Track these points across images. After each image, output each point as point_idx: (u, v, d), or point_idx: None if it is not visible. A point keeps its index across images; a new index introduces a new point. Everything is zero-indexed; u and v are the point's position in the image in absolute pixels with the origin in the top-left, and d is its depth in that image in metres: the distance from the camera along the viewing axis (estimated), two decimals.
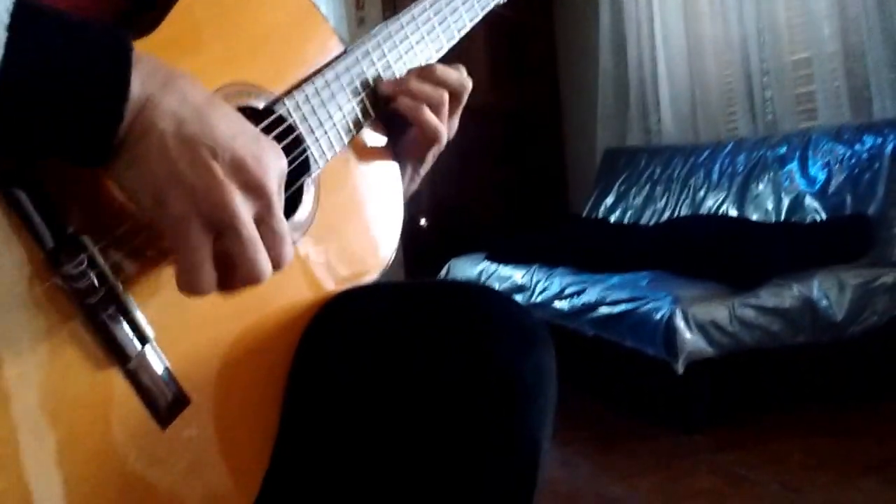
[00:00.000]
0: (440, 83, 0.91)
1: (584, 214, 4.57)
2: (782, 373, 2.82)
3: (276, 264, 0.65)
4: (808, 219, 3.21)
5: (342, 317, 0.80)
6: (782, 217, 3.32)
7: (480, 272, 3.98)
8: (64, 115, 0.56)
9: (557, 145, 5.32)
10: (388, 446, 0.72)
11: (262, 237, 0.63)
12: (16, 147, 0.57)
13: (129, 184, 0.61)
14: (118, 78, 0.58)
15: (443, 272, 4.31)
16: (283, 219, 0.65)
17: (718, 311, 2.67)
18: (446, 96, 0.91)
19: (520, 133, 5.18)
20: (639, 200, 4.23)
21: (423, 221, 4.94)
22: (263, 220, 0.63)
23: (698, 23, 4.11)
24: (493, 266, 3.91)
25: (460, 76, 0.93)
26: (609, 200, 4.44)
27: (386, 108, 0.89)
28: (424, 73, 0.91)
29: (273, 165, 0.63)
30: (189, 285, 0.62)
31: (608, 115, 4.69)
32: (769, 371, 2.82)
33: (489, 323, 0.73)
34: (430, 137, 0.90)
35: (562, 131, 5.31)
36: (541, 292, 3.44)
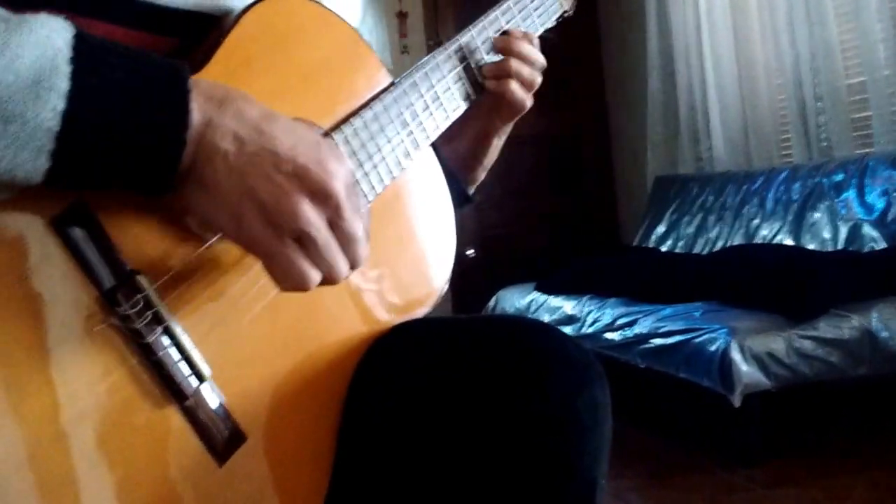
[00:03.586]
0: (536, 65, 1.00)
1: (635, 244, 4.52)
2: (842, 405, 2.77)
3: (353, 264, 0.67)
4: (867, 248, 3.14)
5: (395, 353, 0.80)
6: (840, 246, 3.25)
7: (530, 303, 3.95)
8: (129, 145, 0.58)
9: (607, 173, 5.29)
10: (443, 484, 0.72)
11: (336, 239, 0.65)
12: (82, 179, 0.58)
13: (204, 208, 0.63)
14: (178, 106, 0.60)
15: (491, 303, 4.29)
16: (355, 220, 0.66)
17: (775, 343, 2.62)
18: (539, 79, 1.00)
19: (569, 161, 5.16)
20: (691, 230, 4.17)
21: (470, 252, 4.92)
22: (335, 223, 0.64)
23: (749, 46, 4.05)
24: (543, 297, 3.89)
25: (543, 59, 1.01)
26: (660, 229, 4.39)
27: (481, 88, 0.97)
28: (524, 54, 0.99)
29: (337, 168, 0.65)
30: (293, 285, 0.64)
31: (658, 142, 4.66)
32: (828, 404, 2.76)
33: (543, 359, 0.72)
34: (518, 109, 1.00)
35: (611, 159, 5.28)
36: (591, 324, 3.40)
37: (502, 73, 0.97)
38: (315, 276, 0.64)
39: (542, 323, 0.78)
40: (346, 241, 0.65)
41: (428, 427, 0.73)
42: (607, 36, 5.25)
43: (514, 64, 0.98)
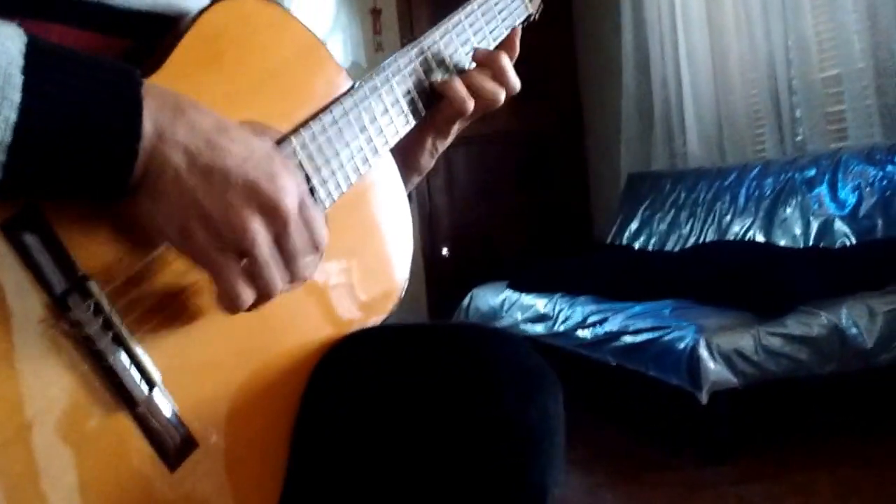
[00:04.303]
0: (503, 82, 0.93)
1: (608, 241, 4.52)
2: (809, 403, 2.77)
3: (294, 278, 0.67)
4: (838, 244, 3.13)
5: (349, 359, 0.80)
6: (811, 242, 3.24)
7: (503, 301, 3.93)
8: (81, 156, 0.58)
9: (581, 170, 5.27)
10: (395, 491, 0.72)
11: (281, 255, 0.65)
12: (33, 189, 0.59)
13: (153, 218, 0.63)
14: (131, 117, 0.60)
15: (465, 302, 4.28)
16: (302, 235, 0.66)
17: (743, 340, 2.61)
18: (502, 97, 0.93)
19: (542, 158, 5.13)
20: (663, 226, 4.17)
21: (444, 251, 4.90)
22: (281, 238, 0.65)
23: (723, 39, 4.04)
24: (516, 295, 3.87)
25: (517, 79, 0.94)
26: (633, 226, 4.38)
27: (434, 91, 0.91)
28: (493, 67, 0.93)
29: (288, 183, 0.65)
30: (226, 305, 0.65)
31: (632, 138, 4.65)
32: (796, 401, 2.76)
33: (495, 368, 0.72)
34: (460, 113, 0.92)
35: (585, 156, 5.27)
36: (563, 321, 3.39)
37: (469, 84, 0.93)
38: (248, 298, 0.64)
39: (498, 331, 0.79)
40: (289, 258, 0.66)
41: (380, 434, 0.73)
42: (581, 30, 5.23)
43: (481, 80, 0.94)
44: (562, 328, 3.38)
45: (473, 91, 0.92)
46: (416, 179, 1.02)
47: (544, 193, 5.13)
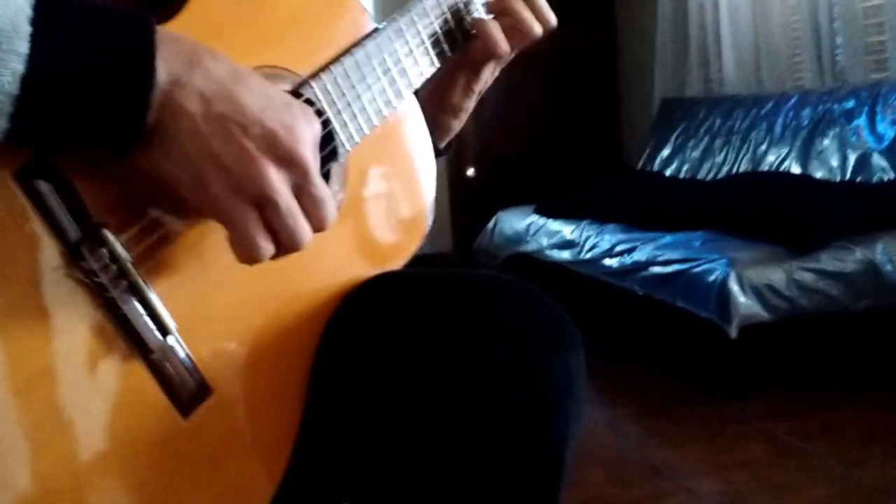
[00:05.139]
0: (541, 17, 0.90)
1: (639, 167, 4.46)
2: (841, 340, 2.73)
3: (318, 228, 0.66)
4: (875, 178, 3.08)
5: (365, 308, 0.78)
6: (847, 175, 3.19)
7: (528, 226, 3.91)
8: (92, 105, 0.58)
9: (612, 93, 5.17)
10: (414, 439, 0.71)
11: (301, 204, 0.64)
12: (42, 139, 0.59)
13: (167, 168, 0.62)
14: (143, 66, 0.59)
15: (490, 224, 4.26)
16: (321, 183, 0.65)
17: (775, 275, 2.59)
18: (538, 31, 0.90)
19: (574, 79, 5.03)
20: (696, 153, 4.10)
21: (470, 171, 4.85)
22: (301, 188, 0.64)
23: None
24: (542, 220, 3.85)
25: (552, 13, 0.92)
26: (665, 153, 4.32)
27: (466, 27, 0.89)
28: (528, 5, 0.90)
29: (305, 132, 0.64)
30: (245, 256, 0.64)
31: (667, 62, 4.55)
32: (827, 338, 2.72)
33: (517, 322, 0.71)
34: (493, 55, 0.89)
35: (617, 79, 5.16)
36: (590, 249, 3.37)
37: (499, 12, 0.91)
38: (267, 249, 0.64)
39: (520, 282, 0.77)
40: (311, 206, 0.65)
41: (397, 385, 0.72)
42: None
43: (518, 14, 0.91)
44: (588, 256, 3.36)
45: (508, 27, 0.89)
46: (453, 123, 0.99)
47: (575, 116, 5.04)
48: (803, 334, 2.69)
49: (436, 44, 0.87)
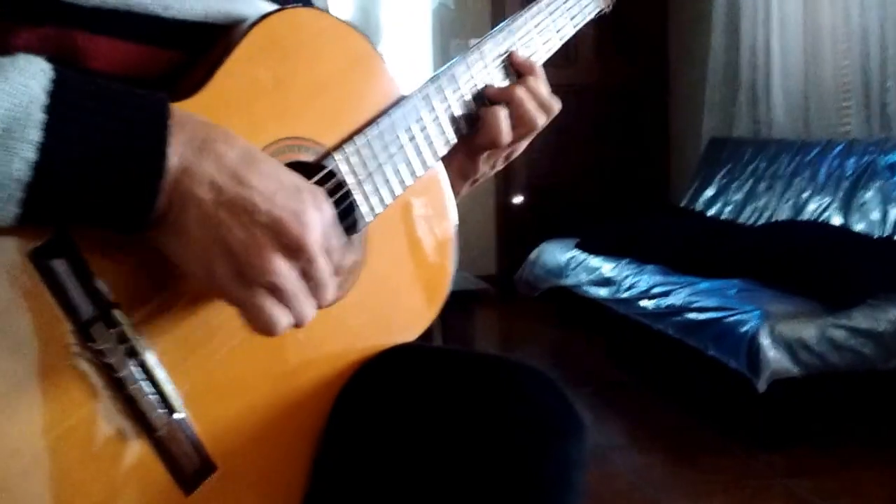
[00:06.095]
0: (544, 107, 0.90)
1: (682, 204, 4.46)
2: (870, 398, 2.72)
3: (321, 305, 0.66)
4: None
5: (372, 386, 0.79)
6: (888, 229, 3.17)
7: (569, 260, 3.95)
8: (102, 191, 0.58)
9: (661, 129, 5.19)
10: None
11: (307, 286, 0.64)
12: (54, 221, 0.59)
13: (177, 253, 0.63)
14: (154, 155, 0.59)
15: (533, 255, 4.30)
16: (325, 267, 0.65)
17: (807, 330, 2.59)
18: (542, 123, 0.89)
19: (623, 113, 5.06)
20: (739, 196, 4.10)
21: (518, 199, 4.89)
22: (307, 273, 0.64)
23: (817, 8, 3.92)
24: (583, 255, 3.88)
25: (557, 105, 0.91)
26: (709, 192, 4.32)
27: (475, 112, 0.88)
28: (532, 90, 0.89)
29: (314, 218, 0.64)
30: (262, 332, 0.64)
31: (716, 102, 4.55)
32: (856, 396, 2.71)
33: (519, 408, 0.72)
34: (497, 143, 0.89)
35: (667, 115, 5.17)
36: (627, 288, 3.40)
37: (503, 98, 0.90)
38: (284, 320, 0.64)
39: (531, 368, 0.77)
40: (315, 288, 0.65)
41: (401, 465, 0.73)
42: None
43: (520, 94, 0.90)
44: (625, 295, 3.39)
45: (513, 117, 0.88)
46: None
47: (623, 150, 5.07)
48: (833, 391, 2.68)
49: (453, 120, 0.87)
